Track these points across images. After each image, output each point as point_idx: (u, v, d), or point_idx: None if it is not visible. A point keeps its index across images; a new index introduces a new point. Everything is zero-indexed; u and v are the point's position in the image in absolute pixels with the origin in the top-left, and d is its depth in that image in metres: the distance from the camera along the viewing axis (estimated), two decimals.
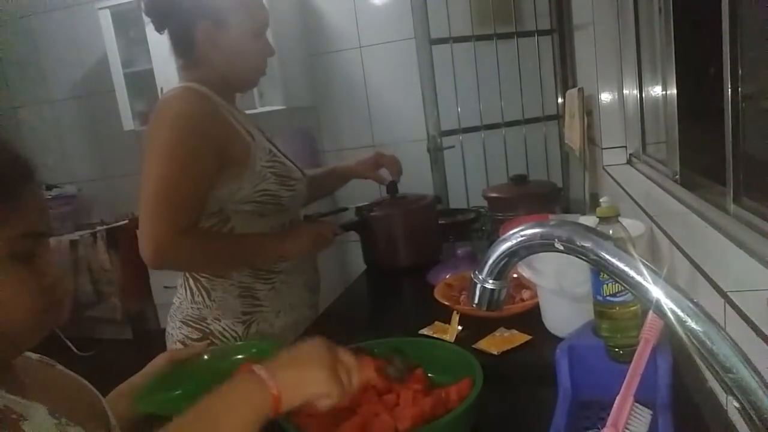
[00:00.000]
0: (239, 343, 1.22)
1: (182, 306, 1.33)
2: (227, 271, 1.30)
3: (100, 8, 3.45)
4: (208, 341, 1.28)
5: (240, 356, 1.00)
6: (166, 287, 3.53)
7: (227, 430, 0.63)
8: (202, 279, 1.30)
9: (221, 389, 0.67)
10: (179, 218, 1.17)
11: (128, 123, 3.63)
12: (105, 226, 3.67)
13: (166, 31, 1.29)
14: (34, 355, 0.74)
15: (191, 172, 1.18)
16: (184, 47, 1.28)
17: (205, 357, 1.00)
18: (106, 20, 3.47)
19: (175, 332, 1.32)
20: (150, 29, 3.45)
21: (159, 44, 3.43)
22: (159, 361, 0.95)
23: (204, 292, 1.30)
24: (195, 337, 1.29)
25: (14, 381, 0.65)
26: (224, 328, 1.29)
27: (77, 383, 0.77)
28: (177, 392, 0.90)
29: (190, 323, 1.30)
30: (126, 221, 3.70)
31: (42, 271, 0.62)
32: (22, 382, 0.66)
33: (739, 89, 0.88)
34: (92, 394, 0.78)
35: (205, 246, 1.22)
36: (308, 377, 0.69)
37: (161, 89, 3.40)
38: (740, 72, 0.88)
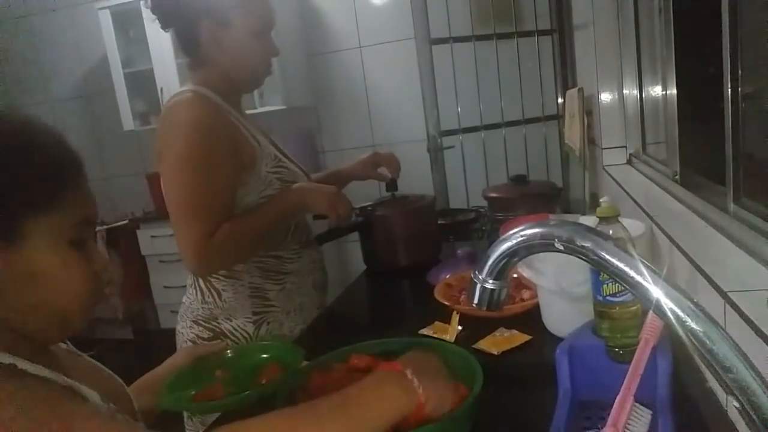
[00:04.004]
0: (265, 342, 1.22)
1: (192, 306, 1.33)
2: (269, 239, 1.30)
3: (100, 8, 3.45)
4: (226, 341, 1.28)
5: (264, 355, 1.01)
6: (166, 287, 3.53)
7: (370, 422, 0.63)
8: (213, 280, 1.30)
9: (368, 382, 0.67)
10: (212, 223, 1.17)
11: (128, 123, 3.63)
12: (105, 226, 3.67)
13: (171, 30, 1.28)
14: (62, 344, 0.76)
15: (213, 176, 1.18)
16: (188, 46, 1.28)
17: (229, 354, 1.01)
18: (106, 20, 3.47)
19: (186, 331, 1.33)
20: (150, 29, 3.44)
21: (159, 44, 3.43)
22: (180, 357, 0.96)
23: (215, 293, 1.30)
24: (206, 336, 1.30)
25: (61, 367, 0.67)
26: (235, 328, 1.29)
27: (105, 372, 0.80)
28: (199, 389, 0.90)
29: (201, 322, 1.31)
30: (126, 221, 3.69)
31: (92, 257, 0.66)
32: (66, 368, 0.67)
33: (739, 89, 0.88)
34: (118, 382, 0.80)
35: (238, 232, 1.21)
36: (448, 397, 0.70)
37: (161, 89, 3.40)
38: (740, 72, 0.88)
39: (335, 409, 0.63)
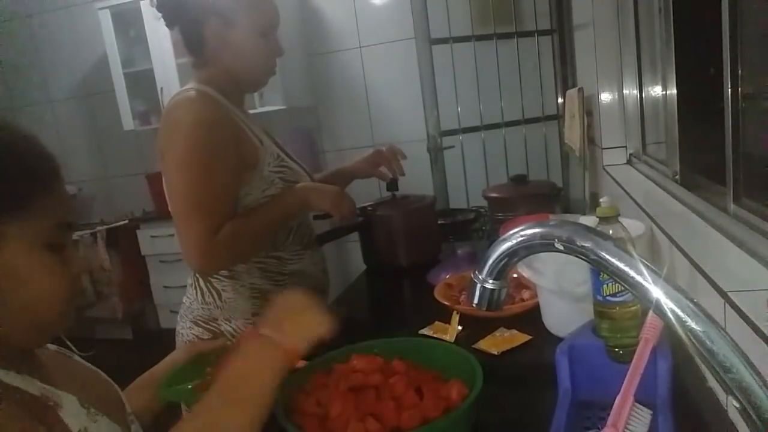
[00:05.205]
0: None
1: (192, 306, 1.33)
2: (271, 239, 1.30)
3: (100, 8, 3.46)
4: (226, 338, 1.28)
5: None
6: (166, 287, 3.53)
7: (256, 393, 0.69)
8: (213, 280, 1.30)
9: (239, 359, 0.72)
10: (215, 221, 1.17)
11: (128, 123, 3.63)
12: (105, 226, 3.67)
13: (175, 29, 1.28)
14: (52, 346, 0.76)
15: (216, 175, 1.18)
16: (194, 45, 1.27)
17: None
18: (106, 20, 3.47)
19: (186, 332, 1.32)
20: (150, 29, 3.42)
21: (159, 44, 3.43)
22: (180, 353, 0.96)
23: (215, 293, 1.30)
24: (206, 337, 1.29)
25: (41, 370, 0.67)
26: (235, 329, 1.29)
27: (94, 373, 0.80)
28: (199, 381, 0.90)
29: (201, 323, 1.30)
30: (126, 221, 3.69)
31: (70, 261, 0.65)
32: (48, 371, 0.68)
33: (739, 89, 0.88)
34: (108, 384, 0.80)
35: (241, 231, 1.21)
36: (309, 322, 0.78)
37: (161, 89, 3.40)
38: (740, 72, 0.88)
39: (228, 397, 0.68)
